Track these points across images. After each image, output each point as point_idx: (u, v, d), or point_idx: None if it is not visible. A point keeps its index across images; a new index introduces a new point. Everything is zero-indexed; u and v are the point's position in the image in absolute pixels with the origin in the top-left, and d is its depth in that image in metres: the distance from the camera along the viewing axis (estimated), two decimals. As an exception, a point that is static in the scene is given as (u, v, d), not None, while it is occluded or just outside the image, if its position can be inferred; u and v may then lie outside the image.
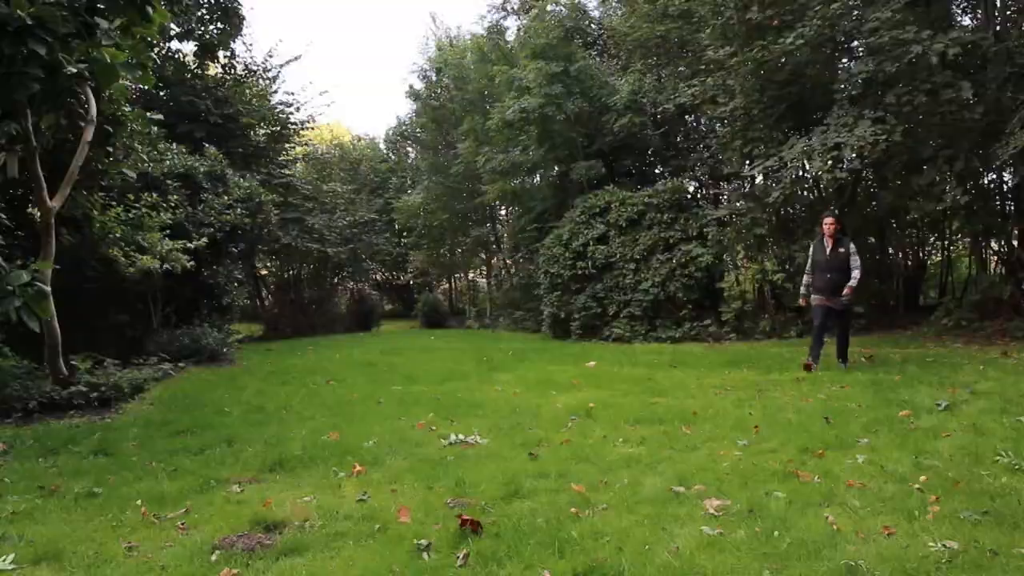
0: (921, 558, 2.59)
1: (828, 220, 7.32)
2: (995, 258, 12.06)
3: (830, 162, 9.53)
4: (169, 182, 10.30)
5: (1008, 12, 9.99)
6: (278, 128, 17.18)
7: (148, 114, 8.19)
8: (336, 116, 49.85)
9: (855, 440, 4.34)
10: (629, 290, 12.64)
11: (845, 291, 7.09)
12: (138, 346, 9.48)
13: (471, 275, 25.53)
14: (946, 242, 13.77)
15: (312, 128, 19.04)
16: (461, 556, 2.78)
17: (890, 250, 13.39)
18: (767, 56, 10.44)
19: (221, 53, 15.58)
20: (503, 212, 22.36)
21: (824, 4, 9.61)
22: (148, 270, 8.83)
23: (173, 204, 9.84)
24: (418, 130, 23.69)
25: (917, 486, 3.39)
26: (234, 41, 15.54)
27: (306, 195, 18.02)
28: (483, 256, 23.62)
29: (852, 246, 7.23)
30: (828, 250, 7.26)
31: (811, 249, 7.63)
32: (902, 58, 8.89)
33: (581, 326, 13.12)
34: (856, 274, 7.14)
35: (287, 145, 18.32)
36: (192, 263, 9.60)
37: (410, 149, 26.32)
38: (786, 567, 2.61)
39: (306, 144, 21.17)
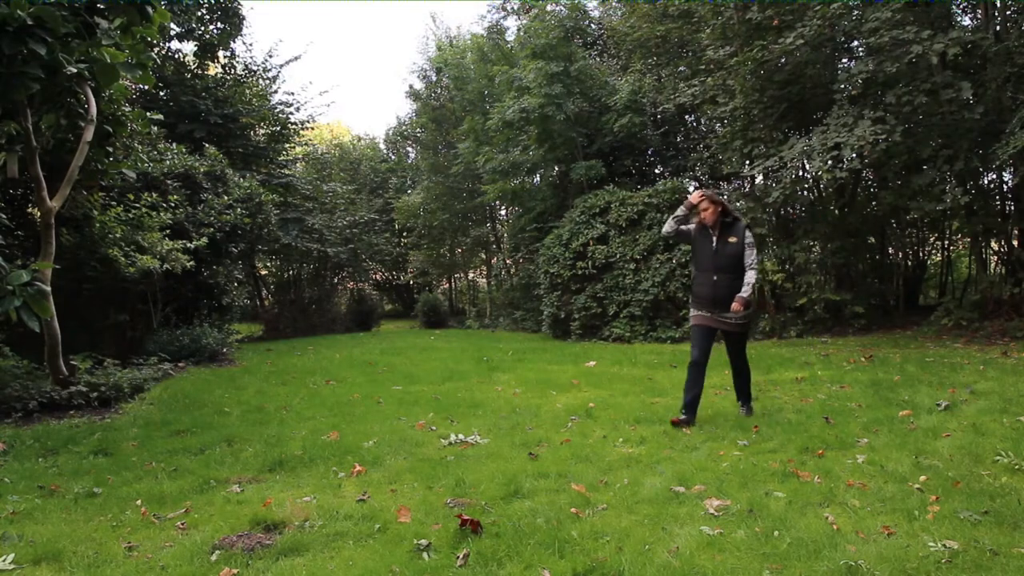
0: (921, 558, 2.59)
1: (704, 204, 5.10)
2: (995, 258, 12.08)
3: (830, 162, 9.54)
4: (169, 182, 10.30)
5: (1008, 12, 9.99)
6: (278, 128, 17.19)
7: (148, 114, 8.20)
8: (336, 116, 49.94)
9: (855, 440, 4.34)
10: (629, 290, 12.64)
11: (734, 305, 4.96)
12: (138, 346, 9.49)
13: (471, 275, 25.55)
14: (946, 242, 13.80)
15: (312, 128, 19.05)
16: (461, 556, 2.78)
17: (890, 250, 13.41)
18: (767, 56, 10.45)
19: (221, 53, 15.59)
20: (503, 212, 22.39)
21: (824, 4, 9.62)
22: (148, 270, 8.83)
23: (173, 204, 9.84)
24: (418, 130, 23.72)
25: (917, 486, 3.39)
26: (234, 41, 15.56)
27: (306, 195, 18.03)
28: (483, 256, 23.64)
29: (749, 235, 5.14)
30: (714, 240, 5.13)
31: (691, 234, 5.31)
32: (902, 58, 8.90)
33: (581, 326, 13.13)
34: (751, 276, 5.03)
35: (287, 145, 18.33)
36: (192, 263, 9.60)
37: (410, 149, 26.34)
38: (786, 567, 2.61)
39: (306, 144, 21.19)
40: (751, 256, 5.10)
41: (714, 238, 5.16)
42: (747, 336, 5.37)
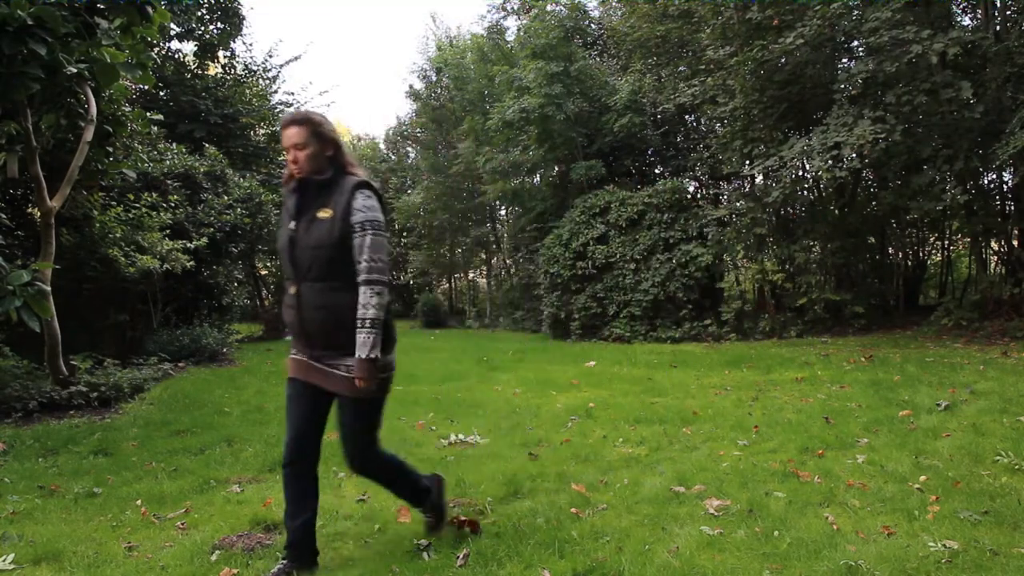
0: (921, 558, 2.59)
1: (289, 130, 2.67)
2: (995, 258, 12.08)
3: (830, 162, 9.53)
4: (169, 182, 10.30)
5: (1008, 12, 9.99)
6: (278, 128, 17.17)
7: (148, 114, 8.20)
8: (336, 116, 49.88)
9: (855, 440, 4.34)
10: (629, 290, 12.64)
11: (357, 381, 2.61)
12: (138, 346, 9.48)
13: (471, 275, 25.53)
14: (946, 242, 13.80)
15: (312, 128, 19.01)
16: (461, 556, 2.79)
17: (890, 250, 13.41)
18: (767, 56, 10.44)
19: (221, 53, 15.59)
20: (503, 212, 22.37)
21: (824, 4, 9.62)
22: (148, 270, 8.83)
23: (173, 204, 9.84)
24: (418, 130, 23.70)
25: (917, 486, 3.39)
26: (234, 41, 15.56)
27: (306, 195, 18.01)
28: (483, 256, 23.63)
29: (365, 202, 2.63)
30: (292, 213, 2.72)
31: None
32: (902, 58, 8.90)
33: (581, 326, 13.12)
34: (368, 295, 2.57)
35: (287, 145, 18.30)
36: (192, 263, 9.60)
37: (410, 149, 26.33)
38: (786, 567, 2.61)
39: (306, 144, 21.16)
40: (367, 250, 2.56)
41: (291, 209, 2.70)
42: (374, 412, 2.86)
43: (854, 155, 9.41)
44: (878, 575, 2.50)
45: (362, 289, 2.57)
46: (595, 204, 13.39)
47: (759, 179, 12.92)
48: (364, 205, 2.62)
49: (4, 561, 2.88)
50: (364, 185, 2.65)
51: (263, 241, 14.58)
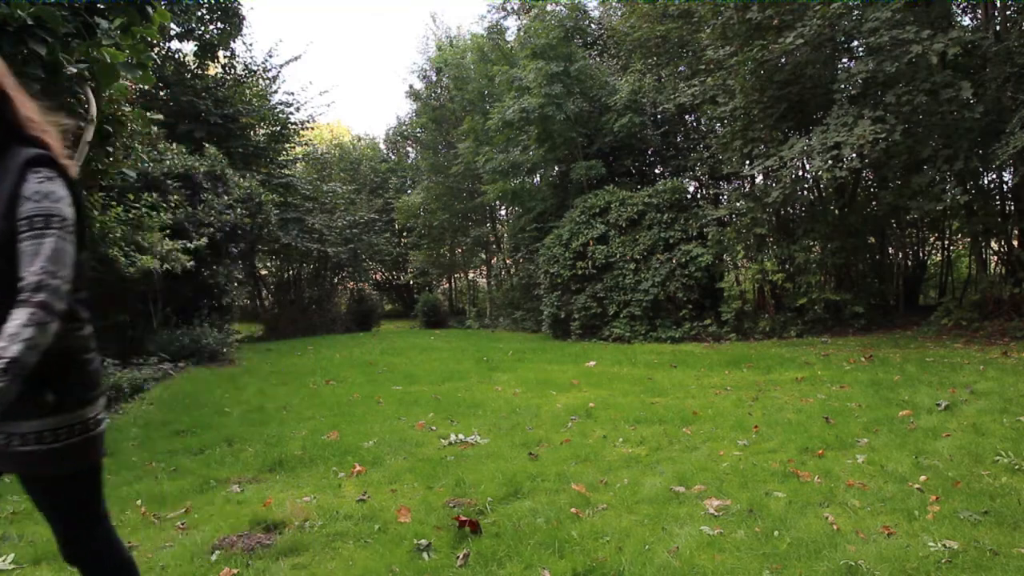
0: (921, 558, 2.59)
1: None
2: (995, 258, 12.08)
3: (830, 161, 9.53)
4: (169, 182, 10.31)
5: (1008, 12, 9.98)
6: (278, 128, 17.20)
7: (148, 114, 8.19)
8: (336, 116, 49.92)
9: (855, 440, 4.34)
10: (629, 290, 12.64)
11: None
12: (138, 346, 9.48)
13: (471, 275, 25.54)
14: (946, 242, 13.80)
15: (312, 128, 19.06)
16: (461, 556, 2.79)
17: (890, 250, 13.41)
18: (767, 56, 10.44)
19: (221, 53, 15.59)
20: (503, 212, 22.37)
21: (824, 4, 9.62)
22: (148, 270, 8.83)
23: (173, 204, 9.84)
24: (418, 130, 23.70)
25: (917, 486, 3.39)
26: (234, 41, 15.56)
27: (306, 195, 18.05)
28: (483, 256, 23.63)
29: (43, 188, 1.63)
30: None
31: None
32: (902, 58, 8.89)
33: (581, 326, 13.12)
34: (26, 321, 1.50)
35: (287, 145, 18.33)
36: (192, 263, 9.61)
37: (410, 149, 26.34)
38: (786, 567, 2.61)
39: (306, 144, 21.20)
40: (40, 259, 1.58)
41: None
42: (80, 489, 1.88)
43: (854, 155, 9.41)
44: (878, 575, 2.50)
45: (16, 312, 1.53)
46: (595, 204, 13.38)
47: (759, 179, 12.92)
48: (37, 192, 1.65)
49: (4, 561, 2.88)
50: (39, 161, 1.69)
51: (263, 241, 14.61)
